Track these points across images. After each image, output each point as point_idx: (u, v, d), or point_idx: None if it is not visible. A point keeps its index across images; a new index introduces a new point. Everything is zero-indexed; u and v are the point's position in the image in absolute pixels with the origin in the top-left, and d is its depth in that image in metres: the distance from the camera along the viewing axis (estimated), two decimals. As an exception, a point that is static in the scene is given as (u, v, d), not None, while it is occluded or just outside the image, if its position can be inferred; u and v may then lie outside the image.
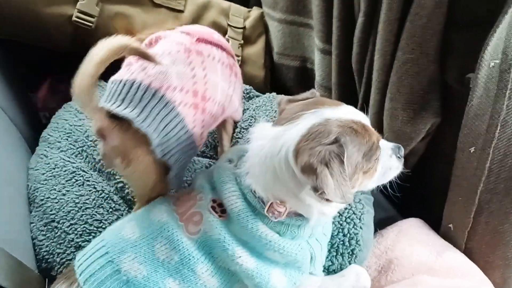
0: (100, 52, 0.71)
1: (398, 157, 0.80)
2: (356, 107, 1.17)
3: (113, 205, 1.01)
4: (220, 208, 0.76)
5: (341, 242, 0.89)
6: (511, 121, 0.88)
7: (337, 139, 0.68)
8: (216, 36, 0.94)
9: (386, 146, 0.78)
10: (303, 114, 0.73)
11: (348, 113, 0.73)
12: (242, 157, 0.80)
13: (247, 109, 1.24)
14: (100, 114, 0.76)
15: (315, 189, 0.67)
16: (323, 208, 0.74)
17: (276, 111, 1.20)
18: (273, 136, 0.74)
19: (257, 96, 1.31)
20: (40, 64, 1.14)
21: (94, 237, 0.95)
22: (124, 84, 0.78)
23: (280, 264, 0.76)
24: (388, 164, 0.79)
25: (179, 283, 0.74)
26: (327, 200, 0.68)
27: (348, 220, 0.90)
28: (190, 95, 0.81)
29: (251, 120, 1.20)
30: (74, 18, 1.19)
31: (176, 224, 0.76)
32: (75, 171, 1.05)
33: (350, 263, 0.89)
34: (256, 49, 1.43)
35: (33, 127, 1.29)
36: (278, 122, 0.76)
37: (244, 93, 1.29)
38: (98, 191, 1.03)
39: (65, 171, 1.05)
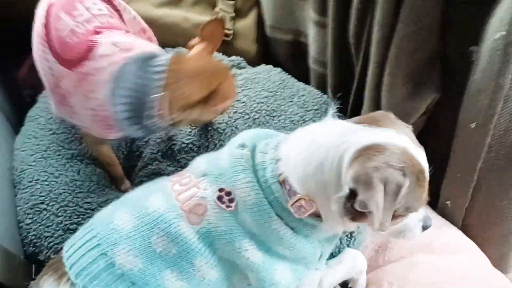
0: None
1: (424, 227, 0.74)
2: (352, 82, 1.17)
3: (106, 190, 0.98)
4: (227, 197, 0.71)
5: (340, 226, 0.87)
6: (514, 95, 0.86)
7: (404, 170, 0.62)
8: None
9: (421, 210, 0.73)
10: (389, 128, 0.67)
11: (423, 161, 0.67)
12: (257, 141, 0.75)
13: (240, 74, 1.19)
14: None
15: (363, 204, 0.62)
16: (338, 222, 0.69)
17: (274, 82, 1.16)
18: (342, 128, 0.68)
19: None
20: (22, 41, 1.08)
21: (83, 219, 0.92)
22: None
23: (287, 259, 0.73)
24: (411, 226, 0.72)
25: (177, 275, 0.70)
26: (352, 219, 0.65)
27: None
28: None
29: (247, 82, 1.16)
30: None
31: (175, 213, 0.72)
32: (71, 158, 1.03)
33: (348, 246, 0.87)
34: (247, 22, 1.38)
35: (16, 106, 1.23)
36: (354, 120, 0.70)
37: (235, 63, 1.25)
38: (93, 181, 1.01)
39: (58, 155, 1.03)
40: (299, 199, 0.68)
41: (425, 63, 0.94)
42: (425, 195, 0.68)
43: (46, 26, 0.87)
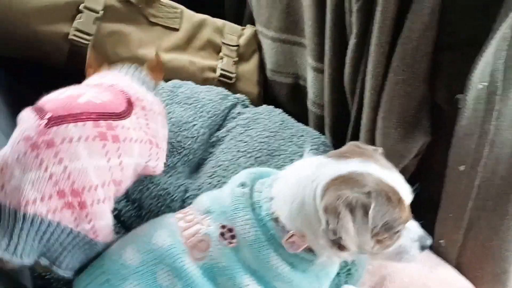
0: None
1: (422, 247, 0.75)
2: (348, 124, 1.22)
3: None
4: (229, 234, 0.74)
5: (337, 262, 0.90)
6: (498, 141, 0.91)
7: (369, 193, 0.67)
8: (81, 102, 0.76)
9: (414, 230, 0.75)
10: (354, 158, 0.72)
11: (394, 181, 0.71)
12: (257, 180, 0.79)
13: (244, 113, 1.25)
14: None
15: (333, 232, 0.66)
16: (331, 254, 0.73)
17: (275, 122, 1.21)
18: (316, 164, 0.73)
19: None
20: (37, 80, 1.14)
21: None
22: None
23: None
24: (406, 248, 0.73)
25: None
26: (339, 247, 0.68)
27: (343, 239, 0.91)
28: (56, 199, 0.69)
29: (250, 122, 1.21)
30: (71, 36, 1.20)
31: (180, 249, 0.75)
32: None
33: (346, 283, 0.90)
34: (250, 67, 1.45)
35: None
36: (328, 155, 0.76)
37: (239, 100, 1.30)
38: None
39: None
40: (292, 235, 0.72)
41: (415, 109, 1.00)
42: (404, 213, 0.71)
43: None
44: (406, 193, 0.73)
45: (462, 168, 0.96)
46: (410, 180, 1.16)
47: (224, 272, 0.73)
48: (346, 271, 0.91)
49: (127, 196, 1.04)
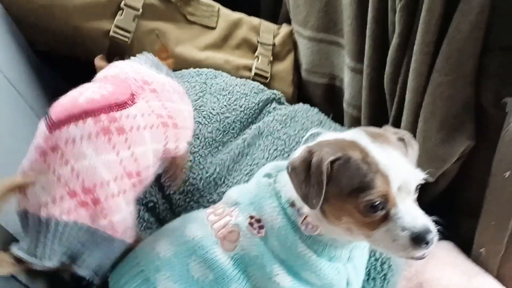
0: None
1: (413, 239, 0.63)
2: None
3: (145, 224, 1.02)
4: (257, 224, 0.75)
5: (373, 267, 0.88)
6: (548, 147, 0.87)
7: (340, 156, 0.65)
8: (81, 101, 0.75)
9: (408, 219, 0.64)
10: (351, 130, 0.72)
11: (385, 156, 0.66)
12: (282, 171, 0.80)
13: (280, 109, 1.24)
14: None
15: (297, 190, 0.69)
16: (329, 227, 0.71)
17: (312, 122, 1.20)
18: (320, 138, 0.75)
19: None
20: (77, 75, 1.16)
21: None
22: (18, 217, 0.72)
23: (315, 287, 0.75)
24: (393, 235, 0.65)
25: None
26: (323, 213, 0.69)
27: (380, 243, 0.89)
28: (68, 199, 0.70)
29: (287, 119, 1.20)
30: (111, 33, 1.22)
31: (211, 241, 0.76)
32: None
33: (382, 287, 0.88)
34: (284, 66, 1.44)
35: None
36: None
37: (276, 96, 1.29)
38: None
39: None
40: (306, 216, 0.72)
41: (459, 111, 0.97)
42: (380, 185, 0.64)
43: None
44: (397, 170, 0.65)
45: (507, 174, 0.92)
46: (450, 185, 1.13)
47: (255, 261, 0.74)
48: (382, 276, 0.89)
49: (162, 191, 1.06)
